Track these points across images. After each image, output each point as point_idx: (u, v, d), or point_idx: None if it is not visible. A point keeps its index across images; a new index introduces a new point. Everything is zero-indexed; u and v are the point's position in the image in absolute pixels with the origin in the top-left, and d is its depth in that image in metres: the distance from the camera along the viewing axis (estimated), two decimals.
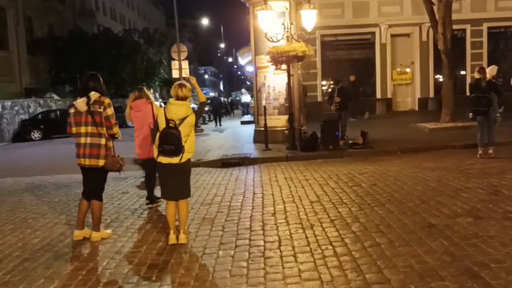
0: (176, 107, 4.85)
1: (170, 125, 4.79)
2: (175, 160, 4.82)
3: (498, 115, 9.11)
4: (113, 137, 5.29)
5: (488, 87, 8.79)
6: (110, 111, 5.17)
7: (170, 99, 5.00)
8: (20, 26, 31.22)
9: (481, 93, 8.82)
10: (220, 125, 24.15)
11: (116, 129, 5.23)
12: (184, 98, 4.90)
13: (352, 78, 19.71)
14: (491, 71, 9.17)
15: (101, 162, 5.15)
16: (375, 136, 11.98)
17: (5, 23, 29.95)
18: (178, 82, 5.07)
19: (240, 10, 21.70)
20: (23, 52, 31.32)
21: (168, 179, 4.96)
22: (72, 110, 5.22)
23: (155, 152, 4.91)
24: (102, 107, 5.10)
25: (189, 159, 4.97)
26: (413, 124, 15.21)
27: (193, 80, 5.55)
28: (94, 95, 5.13)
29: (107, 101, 5.17)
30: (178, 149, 4.77)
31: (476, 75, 9.04)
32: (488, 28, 21.53)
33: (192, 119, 4.87)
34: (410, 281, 3.64)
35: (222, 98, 42.99)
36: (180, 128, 4.77)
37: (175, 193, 4.99)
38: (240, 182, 8.33)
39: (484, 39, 21.62)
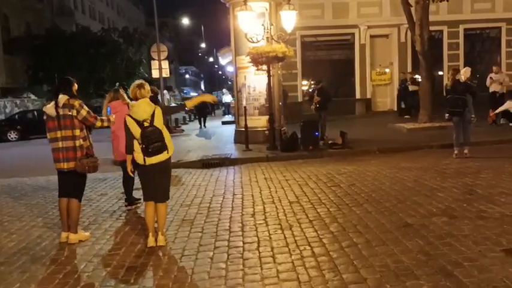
0: (141, 106, 4.84)
1: (145, 124, 4.78)
2: (164, 156, 4.82)
3: (473, 116, 9.30)
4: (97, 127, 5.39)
5: (463, 89, 8.97)
6: (84, 111, 5.15)
7: (131, 103, 4.99)
8: None
9: (457, 95, 9.00)
10: (204, 126, 21.98)
11: (99, 123, 5.30)
12: (142, 98, 4.92)
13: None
14: (465, 72, 9.35)
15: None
16: (354, 136, 12.10)
17: None
18: (138, 82, 5.04)
19: (221, 10, 21.69)
20: None
21: (153, 181, 4.92)
22: (44, 116, 5.22)
23: (140, 157, 4.84)
24: (74, 111, 5.07)
25: (170, 158, 4.98)
26: (392, 124, 15.41)
27: (192, 103, 5.70)
28: (62, 98, 5.11)
29: (77, 102, 5.14)
30: (164, 144, 4.79)
31: (451, 77, 9.23)
32: (465, 30, 21.93)
33: (159, 111, 4.88)
34: (386, 281, 3.71)
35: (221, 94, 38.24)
36: (155, 124, 4.78)
37: (158, 195, 4.97)
38: (220, 183, 8.33)
39: (461, 40, 22.02)
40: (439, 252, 4.24)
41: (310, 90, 17.08)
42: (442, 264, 3.97)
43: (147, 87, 5.05)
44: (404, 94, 18.75)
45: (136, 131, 4.78)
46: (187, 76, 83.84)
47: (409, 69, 21.68)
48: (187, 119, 27.75)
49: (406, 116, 17.51)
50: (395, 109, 21.72)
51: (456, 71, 9.38)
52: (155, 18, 20.75)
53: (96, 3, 51.17)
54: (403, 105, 18.79)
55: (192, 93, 60.51)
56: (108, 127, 5.77)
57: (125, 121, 4.89)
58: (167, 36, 64.67)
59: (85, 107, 5.21)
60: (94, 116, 5.26)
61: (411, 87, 18.35)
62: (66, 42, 31.21)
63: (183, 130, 20.56)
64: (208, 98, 6.27)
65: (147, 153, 4.78)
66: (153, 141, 4.74)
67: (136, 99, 4.95)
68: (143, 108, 4.83)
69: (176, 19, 69.70)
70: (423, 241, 4.56)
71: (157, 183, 4.92)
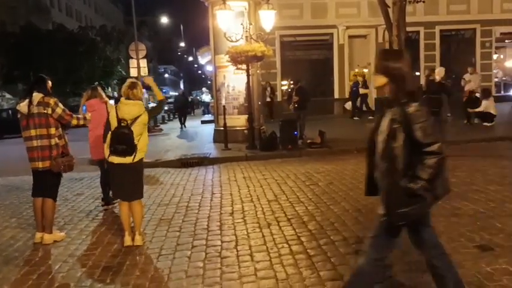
0: (129, 106, 4.78)
1: (122, 124, 4.72)
2: (127, 160, 4.74)
3: (449, 114, 9.48)
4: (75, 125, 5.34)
5: (438, 89, 9.14)
6: (60, 109, 5.07)
7: (122, 99, 4.91)
8: None
9: (432, 95, 9.16)
10: (184, 126, 21.07)
11: (75, 121, 5.23)
12: (135, 99, 4.84)
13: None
14: (440, 72, 9.52)
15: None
16: (332, 136, 12.18)
17: None
18: (129, 81, 4.97)
19: (200, 9, 21.59)
20: None
21: (120, 179, 4.86)
22: (18, 115, 5.12)
23: (106, 152, 4.81)
24: (49, 109, 4.99)
25: (141, 159, 4.91)
26: (370, 124, 15.51)
27: (150, 80, 5.50)
28: (37, 96, 5.02)
29: (52, 101, 5.06)
30: (130, 149, 4.70)
31: (426, 77, 9.40)
32: (441, 31, 22.31)
33: (144, 118, 4.82)
34: None
35: (189, 97, 37.21)
36: (133, 128, 4.72)
37: (127, 194, 4.92)
38: (198, 182, 8.29)
39: (437, 41, 22.39)
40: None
41: (289, 90, 17.20)
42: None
43: (140, 86, 4.97)
44: (354, 96, 19.01)
45: (113, 125, 4.75)
46: (166, 75, 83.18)
47: None
48: (166, 119, 27.55)
49: (356, 118, 17.84)
50: (374, 109, 22.00)
51: (431, 71, 9.55)
52: (133, 17, 20.56)
53: (73, 0, 50.42)
54: (348, 107, 19.08)
55: (172, 93, 60.09)
56: (84, 125, 5.70)
57: (110, 111, 4.93)
58: (146, 35, 64.14)
59: (60, 105, 5.14)
60: (70, 114, 5.19)
61: (362, 90, 18.67)
62: (42, 40, 30.65)
63: (161, 129, 20.39)
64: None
65: (110, 151, 4.74)
66: (119, 142, 4.69)
67: (128, 98, 4.87)
68: (129, 109, 4.77)
69: (155, 17, 69.11)
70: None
71: (124, 182, 4.85)
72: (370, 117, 17.67)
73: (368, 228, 4.95)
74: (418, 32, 21.94)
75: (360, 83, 19.07)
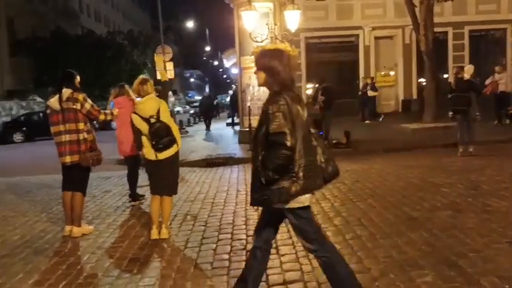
0: (147, 103, 4.86)
1: (152, 121, 4.77)
2: (174, 150, 4.84)
3: (477, 114, 9.25)
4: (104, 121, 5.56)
5: (467, 87, 8.93)
6: (88, 105, 5.16)
7: (137, 100, 5.00)
8: (2, 27, 30.84)
9: (460, 93, 8.96)
10: (209, 129, 20.72)
11: (103, 116, 5.33)
12: (145, 95, 4.92)
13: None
14: (468, 70, 9.30)
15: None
16: (358, 136, 12.07)
17: None
18: (141, 78, 5.07)
19: (225, 12, 21.76)
20: (4, 54, 30.91)
21: (161, 175, 4.91)
22: (48, 110, 5.23)
23: (150, 153, 4.83)
24: (77, 104, 5.08)
25: (178, 151, 4.99)
26: (396, 125, 15.36)
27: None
28: (66, 92, 5.12)
29: (81, 96, 5.15)
30: (173, 139, 4.81)
31: (454, 75, 9.20)
32: (470, 31, 21.86)
33: (165, 106, 4.92)
34: (390, 270, 3.69)
35: (216, 100, 36.68)
36: (162, 119, 4.78)
37: (164, 188, 4.96)
38: (224, 180, 8.32)
39: (466, 41, 21.95)
40: (443, 244, 4.22)
41: (314, 90, 17.06)
42: (446, 255, 3.94)
43: (150, 82, 5.05)
44: (363, 99, 18.69)
45: (144, 127, 4.79)
46: (192, 80, 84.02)
47: (415, 71, 21.65)
48: (192, 122, 27.77)
49: (367, 121, 17.51)
50: (400, 110, 21.72)
51: (460, 69, 9.35)
52: (160, 20, 20.82)
53: (101, 6, 51.47)
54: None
55: (197, 97, 60.61)
56: (111, 120, 5.80)
57: (132, 119, 4.90)
58: (172, 39, 64.88)
59: (89, 100, 5.23)
60: (98, 110, 5.29)
61: (370, 93, 18.35)
62: (71, 44, 31.37)
63: (187, 132, 20.56)
64: None
65: (157, 149, 4.77)
66: (162, 136, 4.75)
67: (139, 95, 4.95)
68: (149, 104, 4.84)
69: (180, 22, 69.89)
70: (428, 233, 4.53)
71: (166, 177, 4.92)
72: (367, 122, 17.44)
73: (395, 224, 4.90)
74: (446, 33, 21.55)
75: (369, 85, 18.76)
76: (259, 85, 3.07)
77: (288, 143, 2.71)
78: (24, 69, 31.65)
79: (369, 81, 19.12)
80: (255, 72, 3.07)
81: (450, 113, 9.36)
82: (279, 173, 2.76)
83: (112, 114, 5.63)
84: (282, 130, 2.72)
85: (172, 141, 4.82)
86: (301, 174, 2.81)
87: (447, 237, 4.38)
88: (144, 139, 4.85)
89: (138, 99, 5.08)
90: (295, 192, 2.82)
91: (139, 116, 4.82)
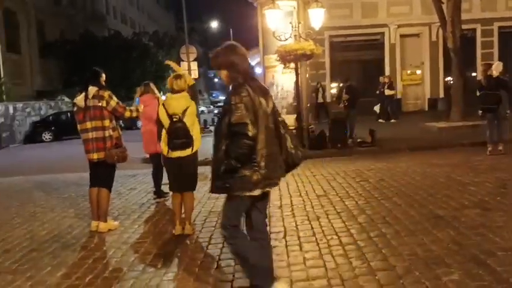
0: (176, 100, 4.89)
1: (174, 119, 4.81)
2: (187, 152, 4.85)
3: (508, 111, 9.01)
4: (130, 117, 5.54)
5: (496, 84, 8.71)
6: (114, 102, 5.23)
7: (168, 94, 5.02)
8: (32, 29, 31.60)
9: (489, 91, 8.75)
10: None
11: (128, 113, 5.37)
12: (180, 91, 4.94)
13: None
14: (497, 67, 9.03)
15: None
16: (383, 135, 11.92)
17: (18, 26, 30.35)
18: (174, 74, 5.10)
19: (248, 12, 21.76)
20: (35, 55, 31.69)
21: (177, 172, 4.96)
22: (75, 108, 5.33)
23: (165, 149, 4.91)
24: (103, 102, 5.16)
25: (196, 151, 5.00)
26: (422, 123, 15.10)
27: (172, 63, 5.62)
28: (92, 89, 5.21)
29: (107, 94, 5.23)
30: (189, 141, 4.82)
31: (483, 73, 8.99)
32: (499, 28, 21.34)
33: (193, 108, 4.92)
34: (415, 268, 3.63)
35: None
36: (185, 120, 4.81)
37: (182, 185, 5.01)
38: None
39: (495, 38, 21.43)
40: (471, 242, 4.12)
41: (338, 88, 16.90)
42: (474, 253, 3.85)
43: (185, 78, 5.08)
44: (381, 98, 18.30)
45: (165, 123, 4.85)
46: (215, 80, 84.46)
47: (442, 69, 21.27)
48: (216, 121, 27.92)
49: (380, 120, 17.16)
50: (426, 109, 21.36)
51: (488, 65, 9.12)
52: (184, 21, 21.01)
53: (127, 8, 52.25)
54: (377, 110, 18.24)
55: (221, 97, 60.95)
56: (137, 117, 5.87)
57: (158, 111, 4.98)
58: (197, 40, 65.34)
59: (114, 97, 5.31)
60: (123, 107, 5.36)
61: (387, 92, 17.97)
62: (98, 46, 31.94)
63: (210, 131, 20.67)
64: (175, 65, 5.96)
65: (170, 146, 4.82)
66: (178, 137, 4.79)
67: (172, 89, 4.99)
68: (177, 102, 4.88)
69: (204, 24, 70.34)
70: (455, 232, 4.44)
71: (181, 174, 4.95)
72: (393, 120, 17.10)
73: (421, 222, 4.82)
74: (474, 30, 21.08)
75: (386, 84, 18.38)
76: (227, 84, 3.18)
77: (249, 133, 2.84)
78: (53, 71, 32.39)
79: (386, 80, 18.77)
80: (219, 75, 3.21)
81: (480, 111, 9.16)
82: (240, 161, 2.88)
83: (137, 110, 5.68)
84: (244, 121, 2.85)
85: (187, 144, 4.83)
86: (262, 163, 2.94)
87: (475, 236, 4.28)
88: (163, 133, 4.90)
89: (170, 94, 5.09)
90: (256, 181, 2.94)
91: (166, 110, 4.87)
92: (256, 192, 2.99)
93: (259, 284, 3.17)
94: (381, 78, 19.28)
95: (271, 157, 2.99)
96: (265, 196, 3.18)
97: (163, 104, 4.96)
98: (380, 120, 17.29)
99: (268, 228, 3.69)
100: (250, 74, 3.10)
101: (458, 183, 6.59)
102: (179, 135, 4.79)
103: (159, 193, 6.95)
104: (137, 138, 7.63)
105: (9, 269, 4.31)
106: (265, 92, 3.11)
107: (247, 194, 2.98)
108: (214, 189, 3.10)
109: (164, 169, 5.63)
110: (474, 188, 6.23)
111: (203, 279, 3.80)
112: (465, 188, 6.28)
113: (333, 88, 21.49)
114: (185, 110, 4.85)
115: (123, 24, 48.61)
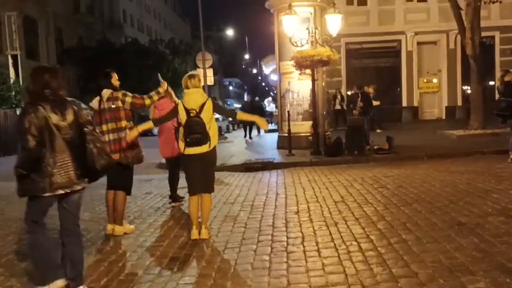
0: (193, 95, 4.86)
1: (191, 114, 4.78)
2: (204, 149, 4.79)
3: None
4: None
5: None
6: (129, 98, 5.18)
7: (184, 90, 4.98)
8: (51, 37, 32.08)
9: (508, 97, 8.58)
10: (250, 137, 19.81)
11: (148, 101, 5.28)
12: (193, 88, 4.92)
13: None
14: None
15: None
16: (400, 143, 11.75)
17: (37, 33, 30.82)
18: (189, 73, 5.08)
19: (265, 19, 21.81)
20: (53, 62, 32.10)
21: (195, 171, 4.89)
22: (91, 112, 5.30)
23: (181, 145, 4.87)
24: (118, 102, 5.13)
25: (215, 147, 4.94)
26: (440, 131, 14.90)
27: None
28: (106, 92, 5.19)
29: (120, 94, 5.20)
30: (205, 137, 4.75)
31: (500, 79, 8.83)
32: None
33: (210, 104, 4.86)
34: (439, 275, 3.51)
35: (264, 103, 35.93)
36: (202, 116, 4.76)
37: (200, 186, 4.94)
38: (263, 184, 8.26)
39: None
40: (496, 250, 3.99)
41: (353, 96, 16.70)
42: (500, 261, 3.72)
43: (199, 77, 5.06)
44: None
45: (183, 118, 4.82)
46: (231, 88, 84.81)
47: (459, 77, 21.00)
48: (231, 128, 27.96)
49: (378, 131, 16.80)
50: (444, 117, 21.10)
51: (506, 71, 8.96)
52: (201, 28, 21.11)
53: (144, 16, 52.82)
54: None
55: (236, 105, 61.06)
56: (161, 98, 5.63)
57: (178, 108, 4.95)
58: (212, 48, 65.77)
59: (128, 93, 5.25)
60: (140, 97, 5.24)
61: (374, 103, 17.55)
62: (115, 53, 32.28)
63: (226, 138, 20.66)
64: (261, 122, 5.73)
65: (186, 142, 4.78)
66: (194, 132, 4.73)
67: (187, 89, 4.96)
68: (194, 97, 4.85)
69: (220, 32, 70.79)
70: (478, 239, 4.30)
71: (200, 173, 4.89)
72: (378, 130, 16.65)
73: (443, 229, 4.69)
74: (492, 37, 20.81)
75: (372, 95, 17.93)
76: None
77: (29, 145, 3.28)
78: (71, 77, 32.78)
79: (371, 90, 18.03)
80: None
81: (499, 119, 8.98)
82: (26, 169, 3.33)
83: (158, 92, 5.44)
84: (26, 135, 3.28)
85: (204, 140, 4.75)
86: (50, 170, 3.34)
87: (500, 243, 4.14)
88: (180, 130, 4.87)
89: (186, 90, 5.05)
90: (44, 185, 3.35)
91: (184, 106, 4.84)
92: (47, 194, 3.38)
93: (41, 277, 3.64)
94: (366, 88, 18.79)
95: (62, 164, 3.40)
96: (67, 197, 3.55)
97: (181, 101, 4.94)
98: (378, 131, 17.01)
99: (79, 228, 3.95)
100: (40, 95, 3.42)
101: (480, 191, 6.43)
102: (196, 129, 4.72)
103: (174, 197, 6.91)
104: (152, 144, 7.62)
105: (23, 271, 4.29)
106: (59, 107, 3.44)
107: (39, 195, 3.39)
108: (17, 193, 3.49)
109: (182, 172, 5.57)
110: (497, 195, 6.07)
111: (220, 283, 3.72)
112: (487, 195, 6.12)
113: (349, 96, 21.33)
114: (202, 106, 4.81)
115: (140, 32, 49.14)
